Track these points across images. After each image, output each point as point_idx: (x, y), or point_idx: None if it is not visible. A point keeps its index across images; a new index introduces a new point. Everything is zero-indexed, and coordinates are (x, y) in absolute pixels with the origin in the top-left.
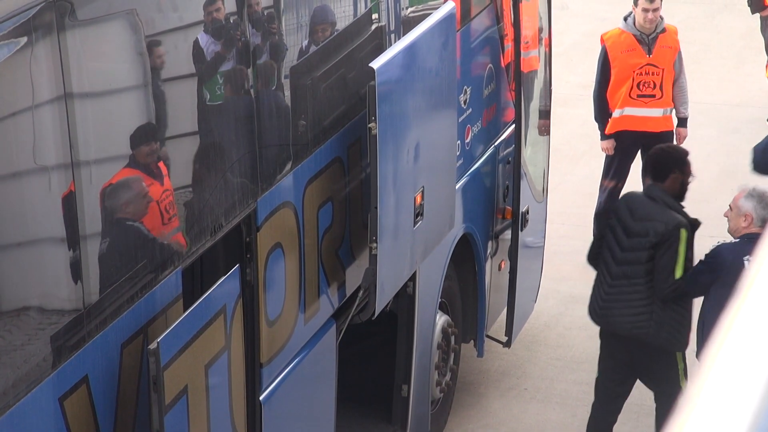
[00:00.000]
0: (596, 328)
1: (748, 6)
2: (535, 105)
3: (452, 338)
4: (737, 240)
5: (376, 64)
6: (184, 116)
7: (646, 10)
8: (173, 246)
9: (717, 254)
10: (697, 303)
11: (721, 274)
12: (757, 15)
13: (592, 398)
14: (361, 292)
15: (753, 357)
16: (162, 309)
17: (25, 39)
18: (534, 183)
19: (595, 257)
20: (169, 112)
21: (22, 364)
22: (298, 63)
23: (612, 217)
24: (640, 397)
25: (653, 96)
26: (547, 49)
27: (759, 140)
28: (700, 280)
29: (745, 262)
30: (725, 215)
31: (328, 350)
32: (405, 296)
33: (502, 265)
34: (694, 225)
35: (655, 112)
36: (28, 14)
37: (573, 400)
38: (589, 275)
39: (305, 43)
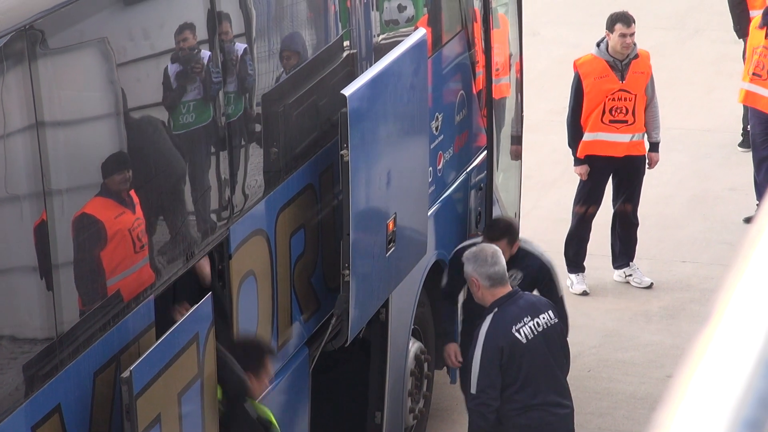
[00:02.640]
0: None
1: (735, 32)
2: (506, 131)
3: (425, 365)
4: (495, 311)
5: (347, 91)
6: (155, 144)
7: (623, 35)
8: (145, 274)
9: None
10: None
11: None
12: (732, 41)
13: None
14: (334, 319)
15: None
16: (134, 337)
17: None
18: (506, 209)
19: None
20: (141, 141)
21: None
22: (270, 90)
23: None
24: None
25: (625, 122)
26: (518, 76)
27: (730, 165)
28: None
29: (515, 334)
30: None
31: (301, 377)
32: (378, 323)
33: None
34: None
35: (624, 138)
36: None
37: None
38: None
39: (277, 70)
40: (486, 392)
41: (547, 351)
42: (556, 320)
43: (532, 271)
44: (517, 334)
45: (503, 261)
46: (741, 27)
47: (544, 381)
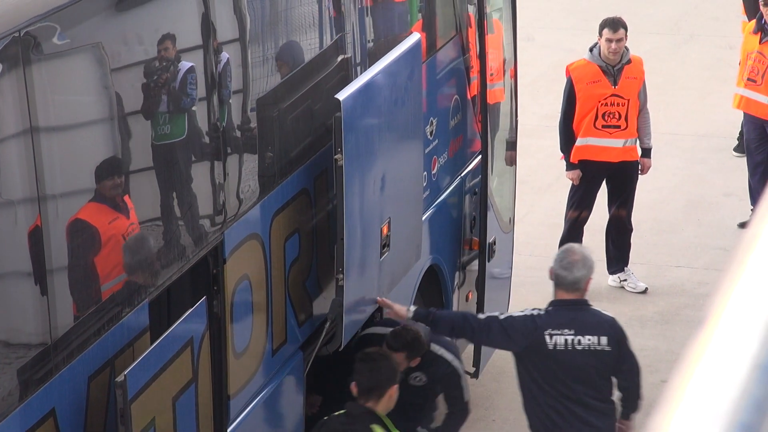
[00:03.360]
0: None
1: (746, 14)
2: (501, 136)
3: None
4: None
5: (341, 96)
6: (149, 149)
7: (609, 41)
8: (140, 279)
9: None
10: None
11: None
12: (727, 46)
13: None
14: (328, 323)
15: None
16: (129, 342)
17: None
18: (500, 214)
19: None
20: (135, 146)
21: None
22: (265, 95)
23: None
24: None
25: (618, 127)
26: (512, 81)
27: (725, 170)
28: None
29: (545, 336)
30: None
31: (296, 382)
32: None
33: (470, 296)
34: None
35: (617, 143)
36: None
37: None
38: None
39: (272, 75)
40: (500, 322)
41: (575, 370)
42: (609, 348)
43: (437, 377)
44: (547, 338)
45: (579, 273)
46: (748, 8)
47: (557, 392)
